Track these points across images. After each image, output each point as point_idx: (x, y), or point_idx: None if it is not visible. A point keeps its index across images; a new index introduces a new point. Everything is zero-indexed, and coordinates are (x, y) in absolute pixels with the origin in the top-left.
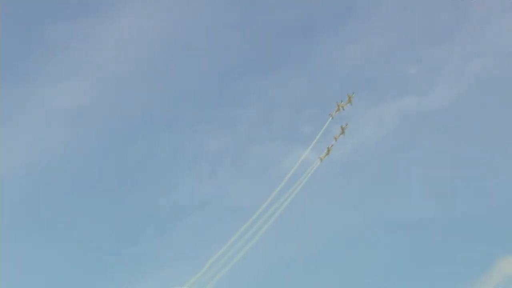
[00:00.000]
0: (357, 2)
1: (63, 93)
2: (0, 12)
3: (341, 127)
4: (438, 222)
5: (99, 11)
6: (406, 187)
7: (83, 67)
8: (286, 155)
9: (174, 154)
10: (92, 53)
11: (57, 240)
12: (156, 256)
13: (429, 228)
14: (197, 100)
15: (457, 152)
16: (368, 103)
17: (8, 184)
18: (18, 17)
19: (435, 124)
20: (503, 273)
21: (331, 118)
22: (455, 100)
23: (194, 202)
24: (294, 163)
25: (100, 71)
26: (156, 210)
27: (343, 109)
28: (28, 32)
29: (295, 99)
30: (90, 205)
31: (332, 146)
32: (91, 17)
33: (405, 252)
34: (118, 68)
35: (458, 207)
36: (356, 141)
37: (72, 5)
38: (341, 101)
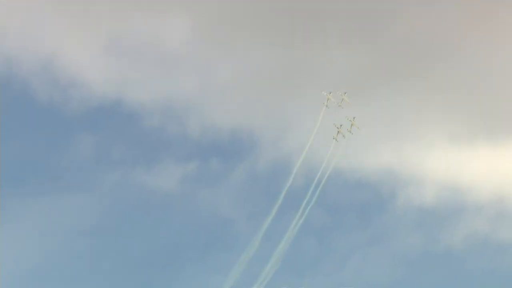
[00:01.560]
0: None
1: None
2: None
3: (348, 118)
4: None
5: None
6: None
7: None
8: None
9: None
10: None
11: None
12: None
13: None
14: None
15: None
16: None
17: None
18: None
19: None
20: None
21: (325, 106)
22: None
23: None
24: None
25: None
26: None
27: (341, 107)
28: None
29: None
30: None
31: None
32: None
33: None
34: None
35: None
36: None
37: None
38: (329, 92)
